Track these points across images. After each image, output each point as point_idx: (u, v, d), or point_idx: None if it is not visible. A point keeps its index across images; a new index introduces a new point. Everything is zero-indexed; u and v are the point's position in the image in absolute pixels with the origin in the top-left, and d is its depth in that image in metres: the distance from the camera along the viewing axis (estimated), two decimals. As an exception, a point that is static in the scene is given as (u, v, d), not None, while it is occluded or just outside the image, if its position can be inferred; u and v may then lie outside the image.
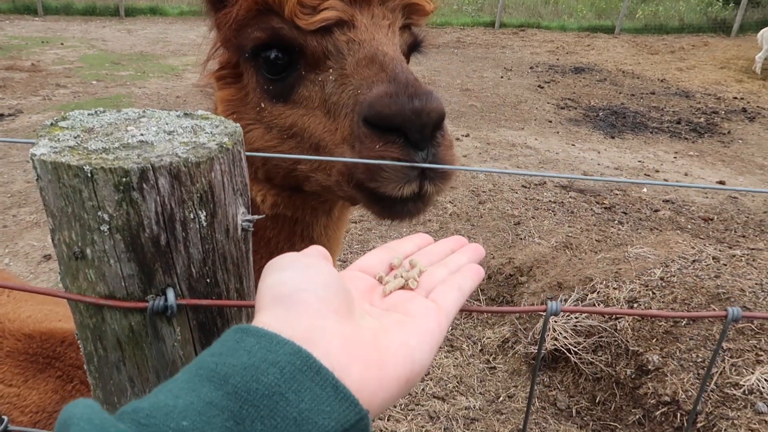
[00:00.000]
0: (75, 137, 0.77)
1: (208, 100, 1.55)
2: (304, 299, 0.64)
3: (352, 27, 1.19)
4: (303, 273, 0.68)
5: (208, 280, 0.82)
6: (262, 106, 1.28)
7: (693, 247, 5.22)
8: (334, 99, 1.17)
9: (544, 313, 0.80)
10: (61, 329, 1.63)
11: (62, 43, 15.61)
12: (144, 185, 0.71)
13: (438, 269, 0.86)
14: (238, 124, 0.88)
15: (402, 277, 0.82)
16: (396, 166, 1.04)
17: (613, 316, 4.52)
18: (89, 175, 0.69)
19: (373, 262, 0.87)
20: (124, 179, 0.70)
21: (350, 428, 0.55)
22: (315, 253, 0.76)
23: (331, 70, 1.20)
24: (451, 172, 1.11)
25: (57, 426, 0.49)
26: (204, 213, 0.77)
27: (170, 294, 0.77)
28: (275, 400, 0.53)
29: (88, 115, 0.86)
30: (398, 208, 1.14)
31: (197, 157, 0.74)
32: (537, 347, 4.57)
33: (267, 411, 0.53)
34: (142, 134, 0.79)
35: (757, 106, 12.84)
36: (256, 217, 0.86)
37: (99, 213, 0.71)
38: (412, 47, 1.47)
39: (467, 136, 9.67)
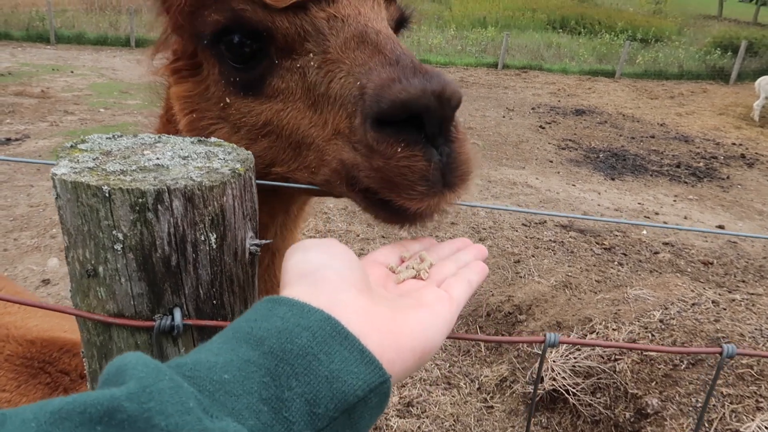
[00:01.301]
0: (94, 159, 0.80)
1: (156, 97, 1.38)
2: (327, 275, 0.71)
3: (331, 1, 1.01)
4: (325, 253, 0.75)
5: (214, 301, 0.83)
6: (228, 101, 1.10)
7: (692, 290, 5.22)
8: (321, 90, 1.00)
9: (543, 344, 0.81)
10: (63, 338, 1.65)
11: (72, 71, 15.90)
12: (159, 206, 0.73)
13: (447, 263, 0.91)
14: (249, 152, 0.91)
15: (414, 268, 0.87)
16: (420, 175, 0.89)
17: (612, 358, 4.48)
18: (107, 195, 0.72)
19: (385, 254, 0.93)
20: (140, 200, 0.72)
21: (375, 389, 0.60)
22: (332, 238, 0.83)
23: (311, 55, 1.01)
24: (469, 171, 0.95)
25: (108, 375, 0.53)
26: (214, 235, 0.80)
27: (177, 314, 0.79)
28: (308, 359, 0.58)
29: (107, 138, 0.89)
30: (410, 215, 0.97)
31: (211, 181, 0.77)
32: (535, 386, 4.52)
33: (301, 369, 0.58)
34: (158, 158, 0.82)
35: (756, 153, 12.99)
36: (264, 241, 0.88)
37: (114, 232, 0.74)
38: (400, 23, 1.28)
39: (468, 173, 9.75)
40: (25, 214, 6.84)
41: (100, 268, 0.76)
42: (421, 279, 0.86)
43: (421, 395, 4.48)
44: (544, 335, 0.83)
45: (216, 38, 1.05)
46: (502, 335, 5.26)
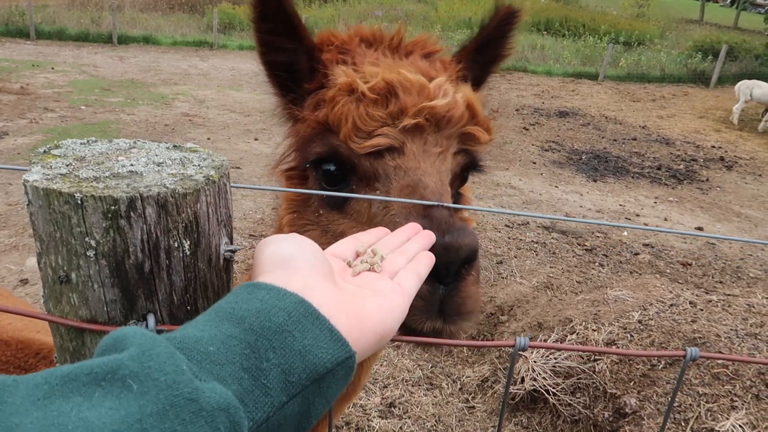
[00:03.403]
0: (67, 165, 0.80)
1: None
2: (299, 265, 0.79)
3: (401, 153, 1.26)
4: (296, 245, 0.83)
5: (188, 307, 0.84)
6: (321, 212, 1.37)
7: (671, 291, 5.30)
8: (378, 219, 1.24)
9: (512, 349, 0.83)
10: (38, 340, 1.63)
11: (53, 68, 15.68)
12: (132, 214, 0.73)
13: (397, 257, 1.00)
14: (225, 158, 0.91)
15: (368, 262, 0.94)
16: (419, 300, 1.03)
17: (592, 358, 4.53)
18: (79, 202, 0.72)
19: (342, 248, 1.00)
20: (112, 207, 0.72)
21: (342, 363, 0.69)
22: (299, 234, 0.90)
23: (377, 192, 1.28)
24: (469, 309, 1.11)
25: (106, 346, 0.59)
26: (188, 242, 0.80)
27: (151, 320, 0.79)
28: (284, 336, 0.66)
29: (81, 144, 0.89)
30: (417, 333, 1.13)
31: (184, 189, 0.77)
32: (516, 387, 4.56)
33: (278, 343, 0.66)
34: (132, 164, 0.82)
35: (735, 156, 13.21)
36: (238, 247, 0.89)
37: (86, 239, 0.74)
38: (468, 167, 1.54)
39: (452, 174, 9.80)
40: (2, 212, 6.74)
41: (73, 275, 0.76)
42: (375, 272, 0.94)
43: (403, 396, 4.50)
44: (515, 340, 0.84)
45: (317, 163, 1.36)
46: (484, 335, 5.29)
